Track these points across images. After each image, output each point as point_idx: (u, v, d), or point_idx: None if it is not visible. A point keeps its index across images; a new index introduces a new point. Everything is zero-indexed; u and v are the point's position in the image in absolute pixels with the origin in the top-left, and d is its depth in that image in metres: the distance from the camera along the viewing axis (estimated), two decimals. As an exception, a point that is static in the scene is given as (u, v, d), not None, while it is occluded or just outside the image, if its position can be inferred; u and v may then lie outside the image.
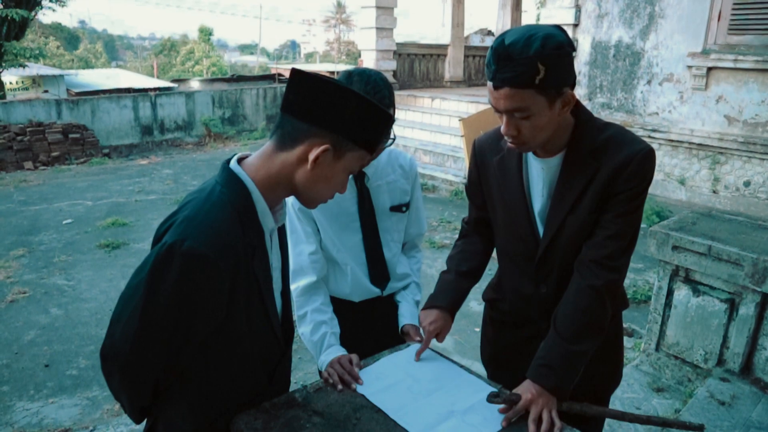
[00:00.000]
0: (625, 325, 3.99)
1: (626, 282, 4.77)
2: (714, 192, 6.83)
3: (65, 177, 9.29)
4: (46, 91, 16.56)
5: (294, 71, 1.15)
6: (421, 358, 1.60)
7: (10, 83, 16.08)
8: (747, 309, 2.71)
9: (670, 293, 3.04)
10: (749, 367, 2.78)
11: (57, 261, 5.52)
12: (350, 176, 1.74)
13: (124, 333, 1.11)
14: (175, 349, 1.15)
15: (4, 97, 12.40)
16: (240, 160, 1.22)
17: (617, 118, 7.61)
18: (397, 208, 1.85)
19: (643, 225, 4.81)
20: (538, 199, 1.48)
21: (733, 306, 2.79)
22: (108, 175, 9.41)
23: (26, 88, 16.66)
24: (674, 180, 7.18)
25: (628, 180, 1.34)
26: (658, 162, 7.28)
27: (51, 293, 4.80)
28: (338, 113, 1.14)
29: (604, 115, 7.70)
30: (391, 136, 1.67)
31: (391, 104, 1.65)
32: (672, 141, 7.12)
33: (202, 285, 1.08)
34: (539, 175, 1.46)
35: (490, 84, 1.28)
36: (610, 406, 2.94)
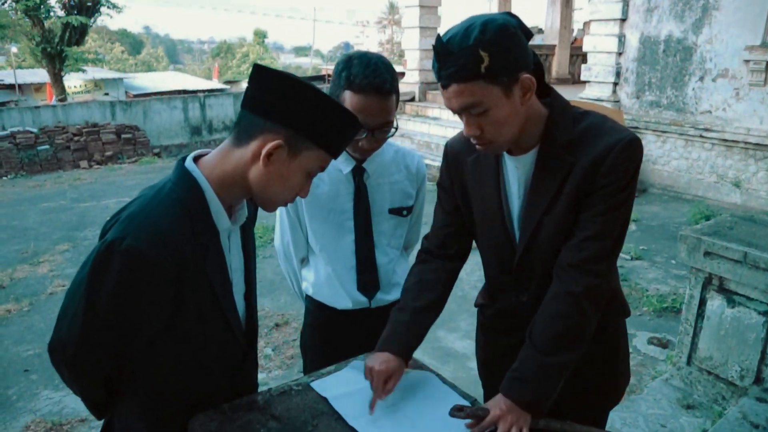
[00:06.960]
0: (660, 335, 3.75)
1: (666, 289, 4.50)
2: (773, 195, 6.37)
3: (116, 175, 9.68)
4: (106, 94, 17.43)
5: (256, 66, 1.12)
6: None
7: (74, 87, 16.99)
8: (787, 322, 2.48)
9: (702, 303, 2.81)
10: (790, 387, 2.53)
11: (98, 256, 5.73)
12: (348, 172, 1.66)
13: (69, 329, 1.12)
14: (122, 346, 1.14)
15: (65, 99, 13.06)
16: (198, 158, 1.19)
17: (667, 116, 7.23)
18: (397, 211, 1.73)
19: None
20: (516, 202, 1.36)
21: (771, 319, 2.55)
22: (156, 174, 9.72)
23: (88, 91, 17.57)
24: (728, 182, 6.73)
25: (607, 174, 1.21)
26: (710, 163, 6.87)
27: (89, 287, 4.97)
28: (293, 108, 1.10)
29: (653, 114, 7.33)
30: (394, 125, 1.56)
31: (393, 90, 1.50)
32: (726, 141, 6.69)
33: (142, 283, 1.07)
34: (514, 174, 1.34)
35: (440, 86, 1.19)
36: (632, 422, 2.77)
